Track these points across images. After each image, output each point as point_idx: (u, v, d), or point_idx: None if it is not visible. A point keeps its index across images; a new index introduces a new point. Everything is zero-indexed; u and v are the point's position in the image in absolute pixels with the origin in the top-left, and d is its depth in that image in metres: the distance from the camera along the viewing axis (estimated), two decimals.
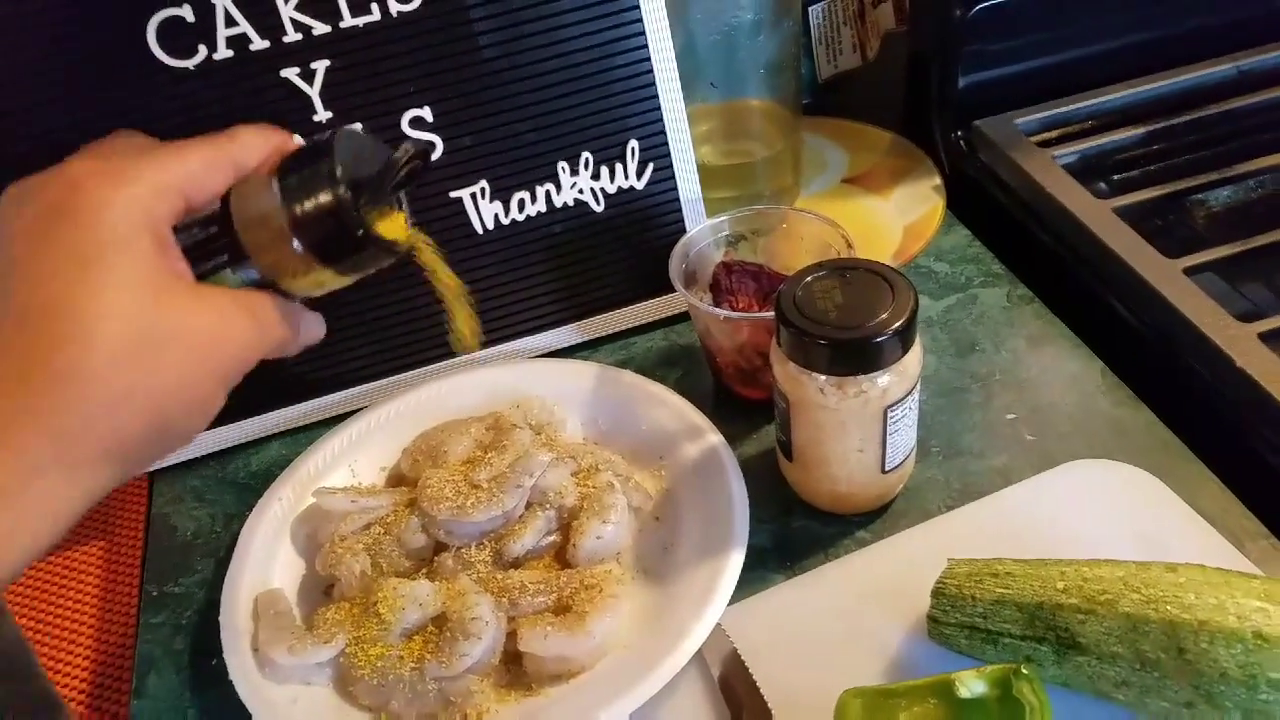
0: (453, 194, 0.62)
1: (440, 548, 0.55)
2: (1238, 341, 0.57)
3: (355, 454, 0.61)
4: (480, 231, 0.64)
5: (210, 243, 0.42)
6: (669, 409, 0.61)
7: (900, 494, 0.56)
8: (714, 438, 0.58)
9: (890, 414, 0.51)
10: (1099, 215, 0.67)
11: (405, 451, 0.61)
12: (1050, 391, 0.61)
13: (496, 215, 0.63)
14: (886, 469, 0.53)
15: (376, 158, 0.44)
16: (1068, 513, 0.53)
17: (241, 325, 0.40)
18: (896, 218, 0.77)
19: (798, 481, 0.56)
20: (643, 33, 0.61)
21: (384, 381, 0.66)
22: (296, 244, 0.42)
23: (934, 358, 0.65)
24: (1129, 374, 0.61)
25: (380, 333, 0.65)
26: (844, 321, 0.49)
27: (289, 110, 0.58)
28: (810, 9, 0.86)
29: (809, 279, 0.51)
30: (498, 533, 0.54)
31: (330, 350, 0.64)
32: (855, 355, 0.49)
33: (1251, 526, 0.52)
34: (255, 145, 0.43)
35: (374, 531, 0.55)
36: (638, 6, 0.60)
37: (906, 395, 0.51)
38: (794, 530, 0.56)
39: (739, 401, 0.64)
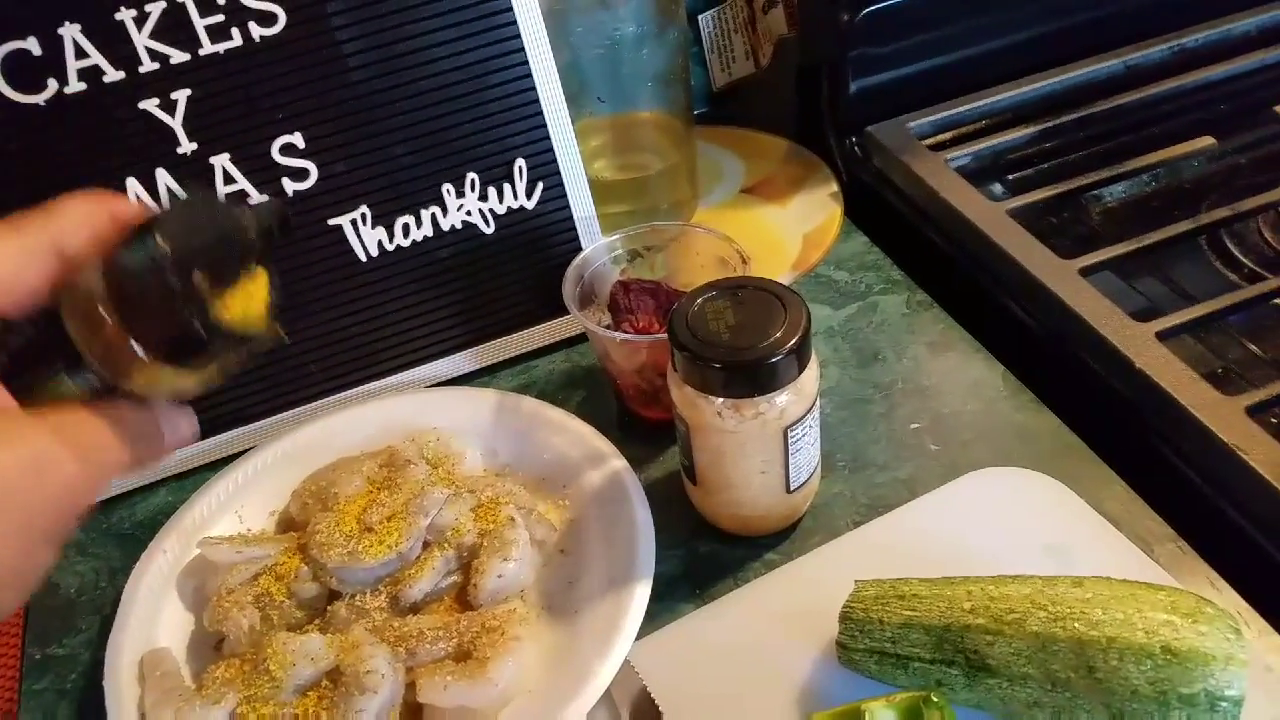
0: (331, 221, 0.59)
1: (334, 596, 0.52)
2: (1135, 341, 0.57)
3: (242, 499, 0.58)
4: (364, 259, 0.61)
5: (42, 346, 0.35)
6: (571, 435, 0.59)
7: (808, 511, 0.55)
8: (618, 463, 0.56)
9: (791, 433, 0.49)
10: (993, 218, 0.67)
11: (294, 494, 0.58)
12: (953, 399, 0.61)
13: (380, 241, 0.61)
14: (791, 489, 0.52)
15: (224, 226, 0.37)
16: (975, 524, 0.52)
17: (60, 462, 0.32)
18: (795, 226, 0.77)
19: (703, 505, 0.55)
20: (521, 49, 0.59)
21: (272, 420, 0.63)
22: (133, 344, 0.35)
23: (836, 368, 0.64)
24: (1031, 378, 0.61)
25: (265, 369, 0.62)
26: (737, 342, 0.48)
27: (150, 145, 0.54)
28: (700, 17, 0.85)
29: (700, 300, 0.50)
30: (394, 576, 0.52)
31: (213, 390, 0.60)
32: (751, 376, 0.47)
33: (1158, 529, 0.52)
34: (82, 221, 0.35)
35: (263, 582, 0.52)
36: (514, 22, 0.59)
37: (806, 413, 0.50)
38: (702, 556, 0.54)
39: (643, 423, 0.62)
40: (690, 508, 0.56)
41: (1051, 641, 0.40)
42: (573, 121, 0.63)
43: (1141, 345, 0.57)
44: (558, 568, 0.54)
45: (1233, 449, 0.51)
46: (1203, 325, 0.60)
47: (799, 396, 0.49)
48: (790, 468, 0.51)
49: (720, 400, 0.48)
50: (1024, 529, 0.52)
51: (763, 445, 0.49)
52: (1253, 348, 0.61)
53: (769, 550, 0.54)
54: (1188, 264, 0.69)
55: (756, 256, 0.74)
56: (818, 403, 0.51)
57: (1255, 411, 0.53)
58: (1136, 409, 0.56)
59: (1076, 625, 0.40)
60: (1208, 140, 0.73)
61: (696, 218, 0.79)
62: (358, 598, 0.51)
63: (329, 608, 0.51)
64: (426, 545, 0.53)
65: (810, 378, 0.49)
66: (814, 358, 0.50)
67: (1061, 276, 0.62)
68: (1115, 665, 0.39)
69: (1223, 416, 0.52)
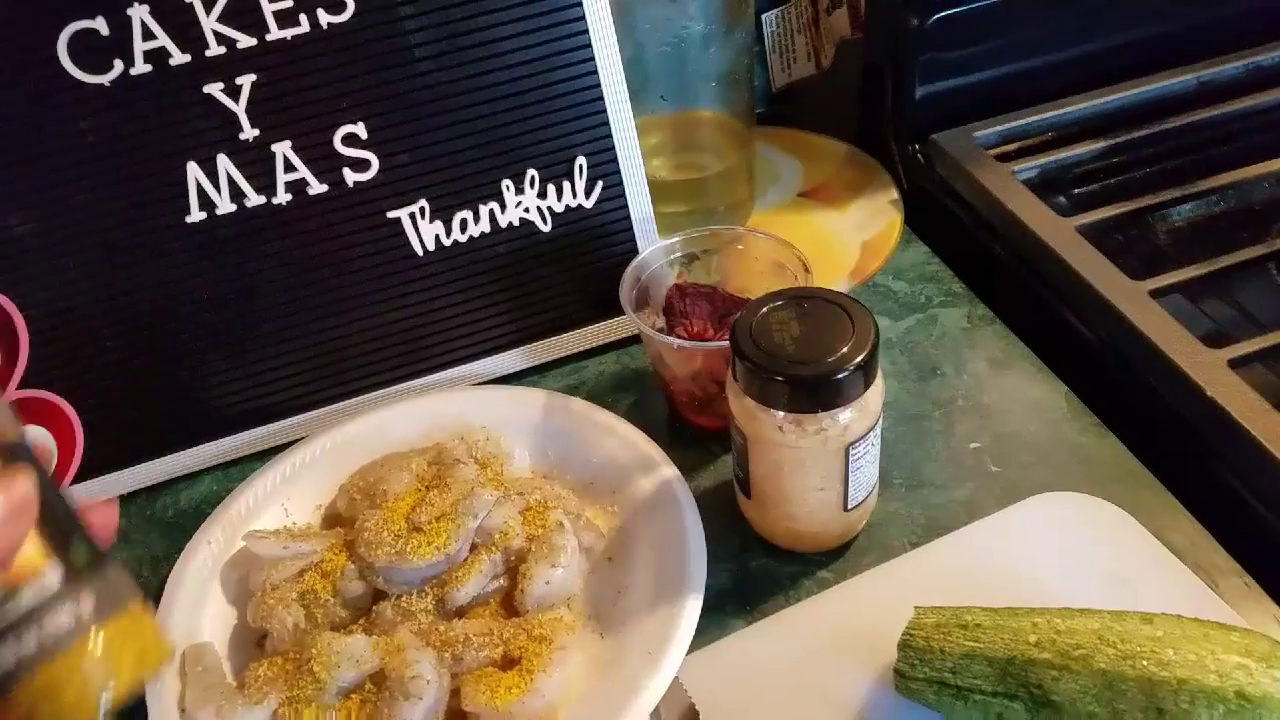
0: (390, 214, 0.59)
1: (379, 595, 0.51)
2: (1206, 368, 0.55)
3: (289, 491, 0.58)
4: (420, 253, 0.60)
5: None
6: (621, 439, 0.58)
7: (863, 529, 0.54)
8: (668, 471, 0.55)
9: (852, 451, 0.48)
10: (1062, 234, 0.65)
11: (342, 488, 0.57)
12: (1014, 418, 0.59)
13: (438, 236, 0.60)
14: (849, 507, 0.51)
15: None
16: (1035, 551, 0.51)
17: None
18: (853, 233, 0.75)
19: (756, 519, 0.54)
20: (589, 44, 0.58)
21: (320, 411, 0.62)
22: None
23: (894, 382, 0.63)
24: (1093, 399, 0.60)
25: (315, 360, 0.61)
26: (802, 356, 0.46)
27: (213, 129, 0.54)
28: (763, 17, 0.84)
29: (765, 309, 0.49)
30: (440, 578, 0.51)
31: (263, 380, 0.60)
32: (815, 392, 0.46)
33: (1223, 563, 0.50)
34: None
35: (308, 579, 0.52)
36: (583, 17, 0.57)
37: (869, 431, 0.48)
38: (753, 570, 0.53)
39: (694, 430, 0.61)
40: (741, 520, 0.55)
41: (1119, 680, 0.39)
42: (634, 119, 0.62)
43: (1213, 373, 0.55)
44: (605, 576, 0.53)
45: None
46: (1276, 354, 0.58)
47: (863, 414, 0.48)
48: (850, 486, 0.49)
49: (782, 414, 0.47)
50: (1085, 557, 0.51)
51: (823, 462, 0.48)
52: None
53: (822, 568, 0.53)
54: (1255, 288, 0.66)
55: (814, 262, 0.72)
56: (880, 420, 0.49)
57: None
58: (1205, 437, 0.54)
59: (1146, 664, 0.39)
60: None
61: (752, 220, 0.78)
62: (403, 599, 0.50)
63: (374, 608, 0.51)
64: (474, 548, 0.52)
65: (876, 395, 0.48)
66: (880, 374, 0.48)
67: (1132, 298, 0.60)
68: (1186, 709, 0.38)
69: None
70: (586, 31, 0.58)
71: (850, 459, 0.48)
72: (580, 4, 0.57)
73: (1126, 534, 0.51)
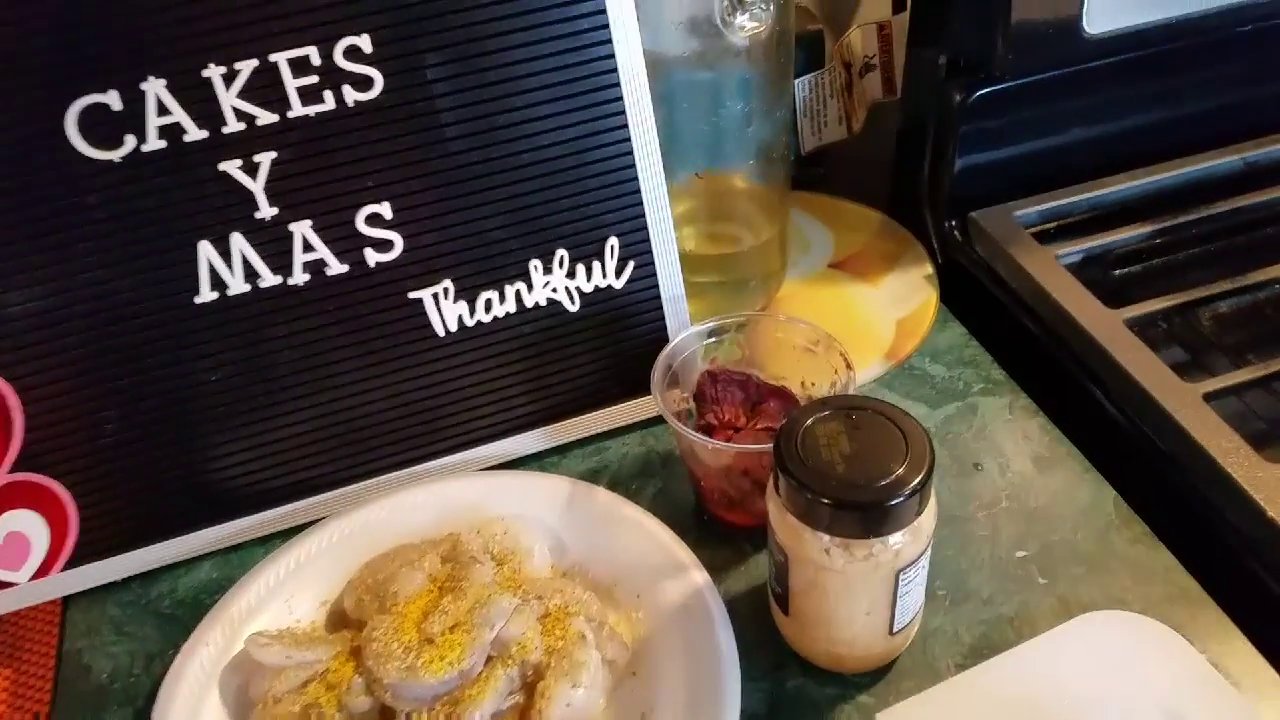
0: (412, 295, 0.56)
1: (387, 711, 0.48)
2: (1266, 485, 0.52)
3: (293, 586, 0.55)
4: (442, 334, 0.57)
5: None
6: (647, 538, 0.55)
7: (906, 647, 0.51)
8: (699, 577, 0.52)
9: (902, 577, 0.45)
10: (1110, 328, 0.62)
11: (350, 585, 0.54)
12: (1063, 525, 0.56)
13: (460, 316, 0.57)
14: (894, 631, 0.48)
15: None
16: (1087, 677, 0.48)
17: None
18: (888, 310, 0.72)
19: (794, 637, 0.50)
20: (625, 125, 0.56)
21: (330, 494, 0.59)
22: None
23: (935, 477, 0.60)
24: (1142, 505, 0.57)
25: (325, 442, 0.58)
26: (853, 476, 0.43)
27: (228, 208, 0.51)
28: (796, 82, 0.81)
29: (811, 421, 0.46)
30: (453, 695, 0.48)
31: (270, 462, 0.57)
32: (867, 517, 0.43)
33: None
34: None
35: (312, 690, 0.48)
36: (620, 98, 0.55)
37: (920, 555, 0.45)
38: (789, 691, 0.50)
39: (724, 526, 0.58)
40: (775, 632, 0.52)
41: None
42: (667, 186, 0.60)
43: (1273, 489, 0.52)
44: (629, 694, 0.50)
45: None
46: None
47: (916, 538, 0.45)
48: (897, 610, 0.46)
49: (828, 538, 0.44)
50: (1140, 686, 0.48)
51: (871, 587, 0.45)
52: None
53: (863, 691, 0.50)
54: None
55: (847, 341, 0.69)
56: (931, 542, 0.47)
57: None
58: (1266, 560, 0.51)
59: None
60: None
61: (783, 291, 0.75)
62: (413, 716, 0.47)
63: None
64: (489, 660, 0.49)
65: (929, 518, 0.45)
66: (933, 496, 0.46)
67: (1184, 401, 0.57)
68: None
69: None
70: (623, 113, 0.55)
71: (900, 584, 0.45)
72: (618, 84, 0.55)
73: (1183, 661, 0.48)
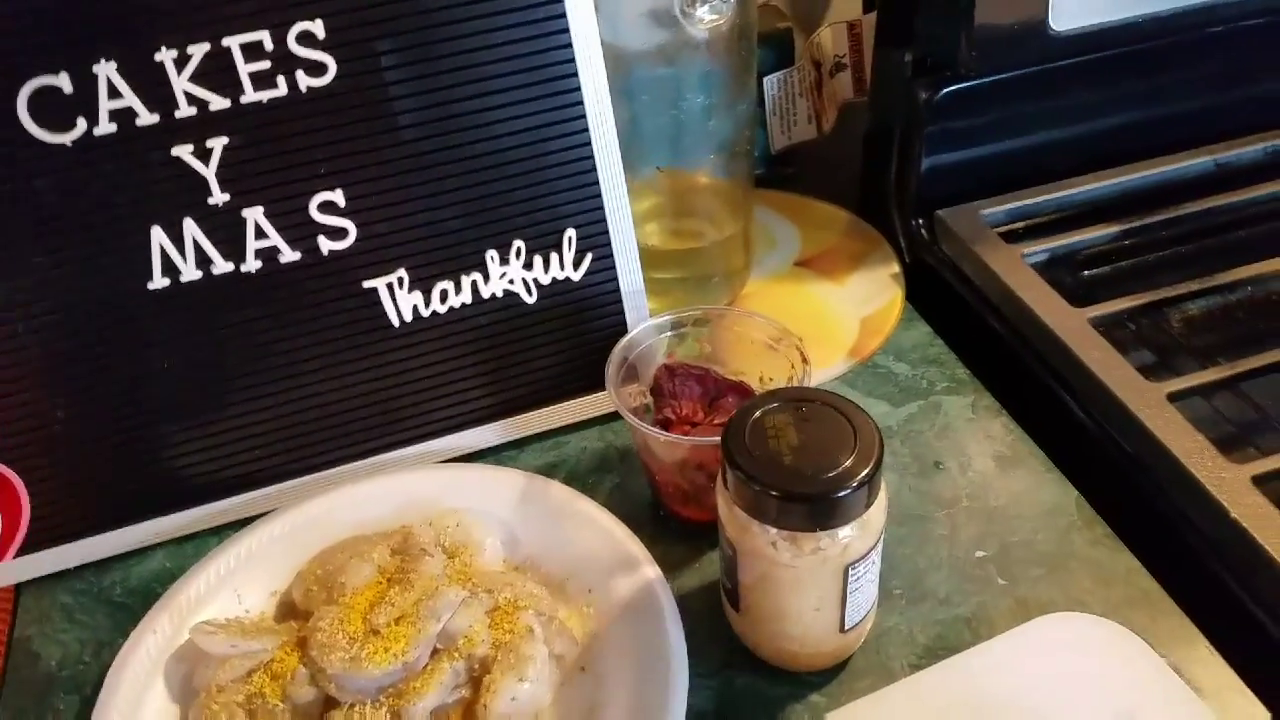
0: (366, 284, 0.55)
1: (331, 703, 0.47)
2: (1230, 486, 0.52)
3: (243, 576, 0.54)
4: (396, 324, 0.57)
5: None
6: (601, 533, 0.54)
7: (860, 647, 0.50)
8: (651, 573, 0.52)
9: (852, 571, 0.45)
10: (1074, 327, 0.62)
11: (299, 576, 0.54)
12: (1023, 525, 0.56)
13: (415, 307, 0.57)
14: (846, 628, 0.47)
15: None
16: (1043, 680, 0.47)
17: None
18: (853, 308, 0.72)
19: (745, 633, 0.50)
20: (583, 115, 0.55)
21: (285, 485, 0.59)
22: None
23: (894, 475, 0.59)
24: (1105, 505, 0.56)
25: (280, 432, 0.57)
26: (801, 468, 0.43)
27: (179, 193, 0.50)
28: (765, 80, 0.81)
29: (760, 412, 0.45)
30: (397, 688, 0.47)
31: (224, 452, 0.57)
32: (814, 509, 0.43)
33: (1249, 708, 0.47)
34: None
35: (257, 680, 0.48)
36: (578, 89, 0.54)
37: (870, 550, 0.45)
38: (738, 689, 0.49)
39: (680, 522, 0.57)
40: (728, 629, 0.51)
41: None
42: (627, 184, 0.59)
43: (1237, 491, 0.52)
44: (577, 688, 0.49)
45: None
46: None
47: (865, 532, 0.44)
48: (848, 607, 0.46)
49: (776, 531, 0.44)
50: (1098, 690, 0.47)
51: (820, 582, 0.45)
52: None
53: (815, 690, 0.49)
54: (1272, 381, 0.63)
55: (811, 339, 0.69)
56: (883, 537, 0.46)
57: None
58: (1230, 564, 0.51)
59: None
60: None
61: (748, 289, 0.74)
62: (357, 708, 0.46)
63: (324, 716, 0.47)
64: (435, 653, 0.48)
65: (878, 511, 0.45)
66: (883, 489, 0.45)
67: (1148, 401, 0.57)
68: None
69: None
70: (581, 103, 0.55)
71: (849, 579, 0.45)
72: (576, 75, 0.54)
73: (1142, 665, 0.48)
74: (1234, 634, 0.49)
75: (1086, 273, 0.72)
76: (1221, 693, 0.47)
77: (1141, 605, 0.51)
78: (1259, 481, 0.52)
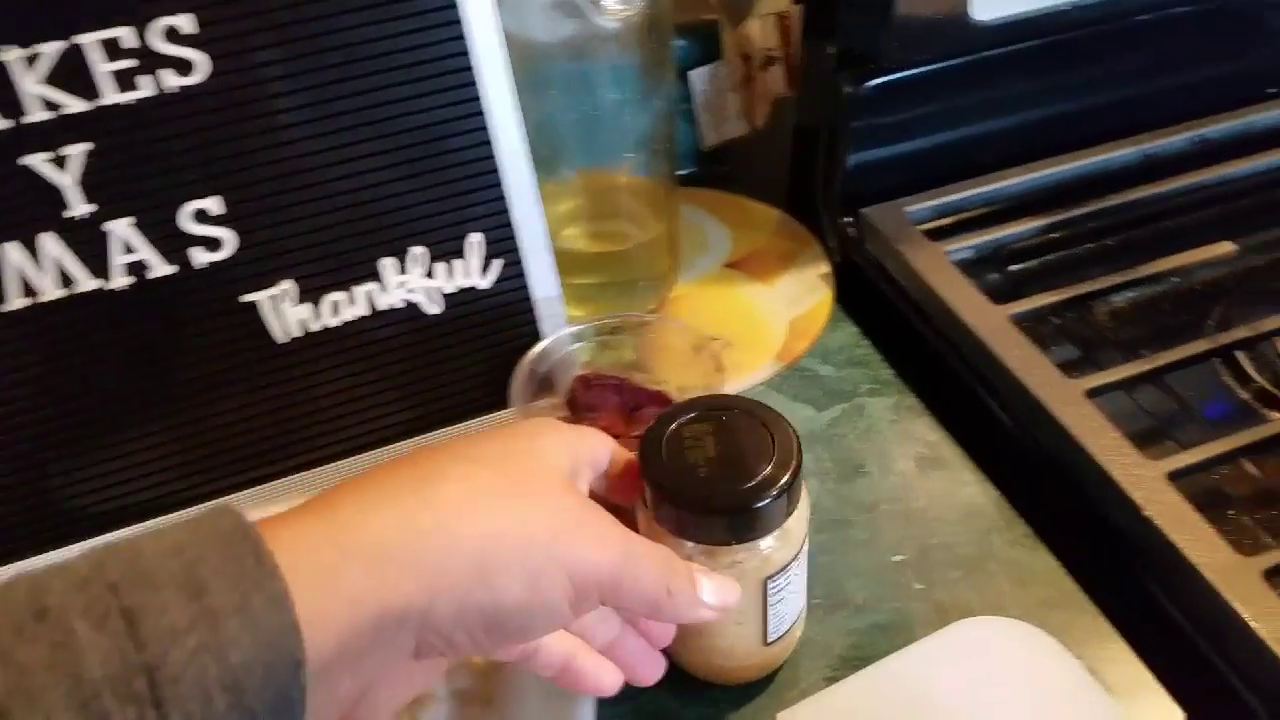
0: (245, 298, 0.52)
1: None
2: (1145, 483, 0.50)
3: None
4: (282, 340, 0.54)
5: None
6: None
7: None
8: None
9: (771, 584, 0.43)
10: (994, 325, 0.60)
11: None
12: (942, 528, 0.54)
13: (303, 321, 0.54)
14: (769, 641, 0.45)
15: None
16: (958, 689, 0.46)
17: (616, 540, 0.36)
18: (782, 310, 0.70)
19: (673, 652, 0.47)
20: (481, 112, 0.53)
21: (171, 518, 0.55)
22: None
23: (815, 481, 0.58)
24: (1027, 506, 0.55)
25: (170, 457, 0.54)
26: (716, 479, 0.41)
27: (35, 204, 0.47)
28: (690, 74, 0.79)
29: (678, 423, 0.43)
30: None
31: (109, 481, 0.54)
32: (732, 522, 0.41)
33: (1164, 706, 0.45)
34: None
35: None
36: (475, 83, 0.52)
37: (791, 561, 0.43)
38: (649, 713, 0.47)
39: None
40: None
41: None
42: (540, 184, 0.57)
43: (1152, 488, 0.50)
44: None
45: (1247, 622, 0.44)
46: (1221, 461, 0.53)
47: (784, 543, 0.42)
48: (770, 619, 0.44)
49: (691, 545, 0.42)
50: (1011, 694, 0.46)
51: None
52: (1269, 481, 0.55)
53: (728, 709, 0.47)
54: (1195, 373, 0.62)
55: (740, 343, 0.68)
56: (805, 546, 0.44)
57: (1273, 575, 0.47)
58: (1146, 564, 0.50)
59: None
60: (1227, 247, 0.67)
61: (677, 292, 0.72)
62: None
63: None
64: None
65: (799, 521, 0.43)
66: (805, 497, 0.43)
67: (1066, 399, 0.55)
68: None
69: (1237, 583, 0.46)
70: (479, 98, 0.52)
71: (770, 592, 0.43)
72: (470, 69, 0.52)
73: (1054, 665, 0.47)
74: (1151, 633, 0.48)
75: (1013, 268, 0.70)
76: (1137, 691, 0.46)
77: (1059, 606, 0.50)
78: (1174, 477, 0.50)
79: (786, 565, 0.43)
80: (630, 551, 0.36)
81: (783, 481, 0.41)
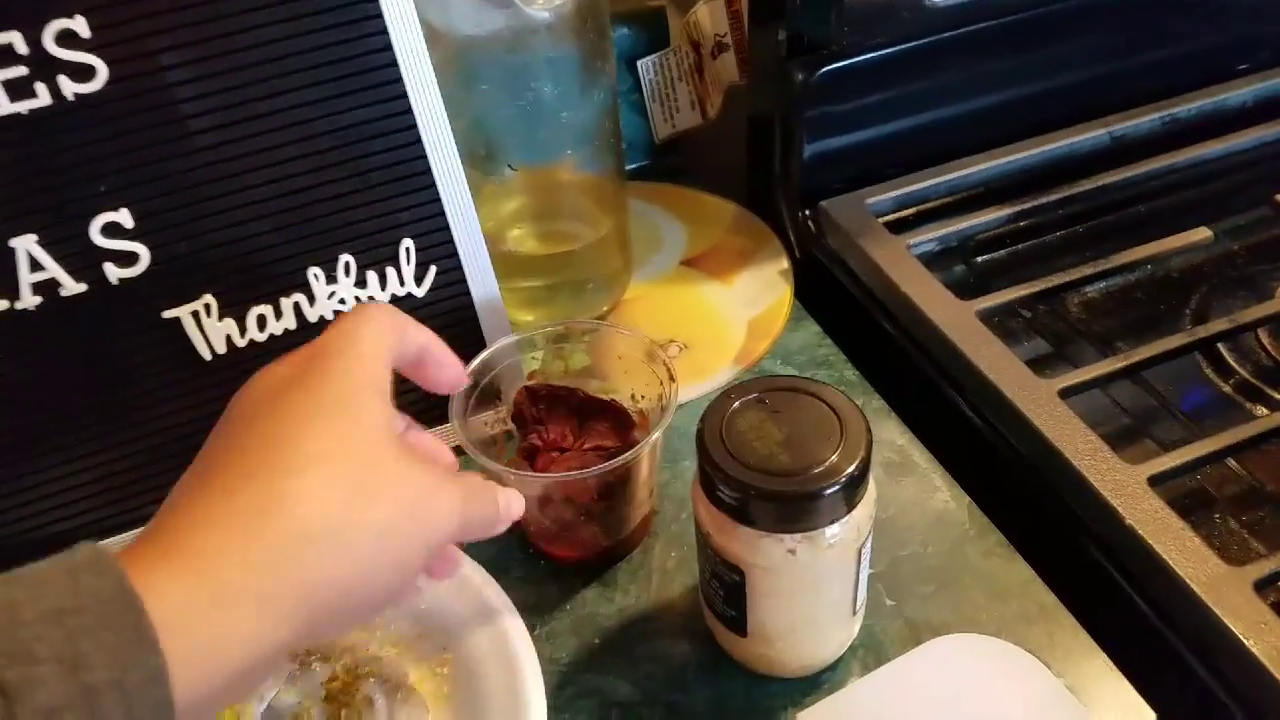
0: (167, 314, 0.49)
1: None
2: (1125, 489, 0.48)
3: None
4: (208, 357, 0.50)
5: None
6: (457, 580, 0.48)
7: (742, 692, 0.46)
8: (510, 623, 0.46)
9: (862, 552, 0.42)
10: (960, 321, 0.58)
11: None
12: (913, 537, 0.52)
13: (229, 336, 0.50)
14: (856, 610, 0.45)
15: None
16: (934, 711, 0.43)
17: (449, 495, 0.36)
18: (740, 310, 0.67)
19: (759, 655, 0.45)
20: (409, 110, 0.49)
21: (117, 539, 0.52)
22: None
23: None
24: (1000, 513, 0.52)
25: (98, 484, 0.51)
26: (802, 462, 0.39)
27: None
28: (639, 64, 0.76)
29: (726, 417, 0.41)
30: None
31: (21, 511, 0.50)
32: (830, 501, 0.39)
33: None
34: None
35: None
36: (400, 79, 0.48)
37: (871, 519, 0.42)
38: None
39: (550, 560, 0.52)
40: (599, 673, 0.47)
41: None
42: (481, 185, 0.53)
43: (1133, 494, 0.48)
44: None
45: (1238, 638, 0.42)
46: (1205, 462, 0.51)
47: (868, 505, 0.41)
48: (859, 588, 0.44)
49: (798, 536, 0.40)
50: (989, 716, 0.43)
51: (841, 573, 0.42)
52: (1255, 481, 0.53)
53: None
54: (1173, 365, 0.59)
55: (696, 344, 0.65)
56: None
57: (1263, 586, 0.44)
58: (1129, 574, 0.47)
59: None
60: (1203, 233, 0.65)
61: (630, 292, 0.69)
62: None
63: None
64: None
65: (872, 482, 0.42)
66: None
67: (1038, 399, 0.53)
68: None
69: (1226, 595, 0.43)
70: (405, 96, 0.49)
71: (861, 560, 0.42)
72: (395, 64, 0.48)
73: (1033, 685, 0.45)
74: (1136, 648, 0.46)
75: (979, 259, 0.68)
76: (1120, 710, 0.44)
77: (1038, 620, 0.48)
78: (1155, 482, 0.48)
79: (870, 527, 0.42)
80: (465, 501, 0.37)
81: (863, 450, 0.39)
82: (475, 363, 0.52)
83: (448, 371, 0.42)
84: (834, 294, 0.66)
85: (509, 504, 0.41)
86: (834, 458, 0.39)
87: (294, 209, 0.49)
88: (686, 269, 0.71)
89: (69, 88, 0.43)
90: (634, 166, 0.80)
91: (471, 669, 0.46)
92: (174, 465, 0.50)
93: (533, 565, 0.52)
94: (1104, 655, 0.46)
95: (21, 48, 0.42)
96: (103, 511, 0.52)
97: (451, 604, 0.48)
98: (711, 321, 0.67)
